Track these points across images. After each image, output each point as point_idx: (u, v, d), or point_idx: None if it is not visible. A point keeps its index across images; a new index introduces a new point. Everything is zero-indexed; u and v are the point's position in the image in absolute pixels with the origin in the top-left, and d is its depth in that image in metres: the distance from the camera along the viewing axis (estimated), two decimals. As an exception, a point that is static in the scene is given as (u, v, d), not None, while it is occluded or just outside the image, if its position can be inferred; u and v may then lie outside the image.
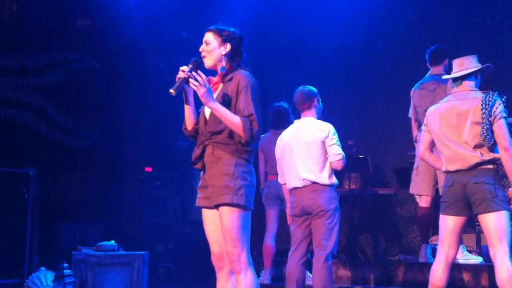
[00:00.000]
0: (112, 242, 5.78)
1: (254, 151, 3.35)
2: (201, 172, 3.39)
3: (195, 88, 3.22)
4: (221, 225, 3.24)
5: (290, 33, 8.24)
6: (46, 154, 8.05)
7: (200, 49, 3.40)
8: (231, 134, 3.26)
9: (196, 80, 3.21)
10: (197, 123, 3.45)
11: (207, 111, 3.35)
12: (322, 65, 7.76)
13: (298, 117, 4.73)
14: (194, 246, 8.31)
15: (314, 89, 4.67)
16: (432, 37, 6.56)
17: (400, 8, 7.17)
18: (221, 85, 3.41)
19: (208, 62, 3.39)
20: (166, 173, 9.88)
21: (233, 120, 3.21)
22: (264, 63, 8.28)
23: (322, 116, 4.72)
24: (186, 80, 3.26)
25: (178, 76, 3.26)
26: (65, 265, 5.35)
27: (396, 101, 6.80)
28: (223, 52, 3.38)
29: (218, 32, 3.39)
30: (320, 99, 4.68)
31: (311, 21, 7.92)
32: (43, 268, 5.88)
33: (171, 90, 3.21)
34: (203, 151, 3.33)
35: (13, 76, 7.86)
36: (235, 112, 3.26)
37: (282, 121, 5.59)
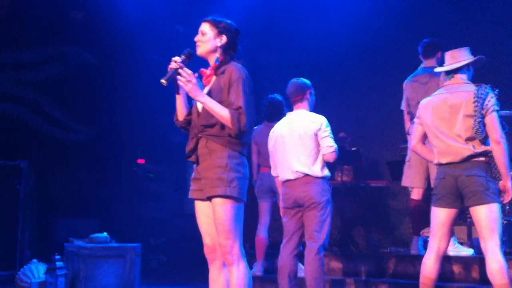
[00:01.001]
0: (105, 234, 5.77)
1: (247, 144, 3.36)
2: (195, 165, 3.38)
3: (182, 84, 3.22)
4: (214, 217, 3.25)
5: (285, 25, 8.22)
6: (41, 148, 8.04)
7: (195, 39, 3.39)
8: (224, 127, 3.25)
9: (183, 76, 3.21)
10: (188, 114, 3.44)
11: (199, 104, 3.34)
12: (316, 58, 7.75)
13: (291, 109, 4.73)
14: (187, 239, 8.31)
15: (307, 81, 4.68)
16: (427, 30, 6.56)
17: (396, 2, 7.16)
18: (214, 77, 3.41)
19: (201, 51, 3.38)
20: (160, 167, 9.86)
21: (221, 113, 3.21)
22: (258, 55, 8.27)
23: (315, 109, 4.72)
24: (178, 71, 3.25)
25: (170, 66, 3.26)
26: (57, 257, 5.34)
27: (389, 93, 6.80)
28: (218, 44, 3.38)
29: (215, 24, 3.39)
30: (313, 92, 4.69)
31: (307, 14, 7.91)
32: (35, 260, 5.87)
33: (162, 80, 3.21)
34: (197, 143, 3.34)
35: (10, 70, 7.83)
36: (227, 105, 3.25)
37: (276, 113, 5.59)
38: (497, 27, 6.41)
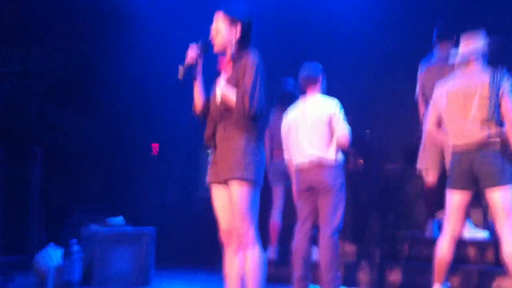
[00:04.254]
0: (120, 218, 5.82)
1: (264, 129, 3.40)
2: (212, 150, 3.42)
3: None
4: (230, 200, 3.28)
5: (297, 14, 8.16)
6: (54, 133, 8.10)
7: (211, 30, 3.41)
8: None
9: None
10: (207, 102, 3.47)
11: (218, 91, 3.37)
12: (329, 42, 7.70)
13: (304, 93, 4.71)
14: (201, 223, 8.36)
15: (319, 65, 4.65)
16: (440, 16, 6.49)
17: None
18: (231, 66, 3.43)
19: (217, 44, 3.42)
20: (173, 151, 9.90)
21: (231, 96, 3.28)
22: (270, 42, 8.22)
23: (330, 93, 4.70)
24: (193, 63, 3.33)
25: (186, 61, 3.34)
26: (74, 241, 5.41)
27: (403, 76, 6.75)
28: (234, 35, 3.39)
29: (229, 14, 3.39)
30: (324, 75, 4.67)
31: (319, 3, 7.85)
32: (51, 244, 5.94)
33: (180, 71, 3.29)
34: (215, 129, 3.38)
35: (20, 63, 7.89)
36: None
37: (288, 98, 5.57)
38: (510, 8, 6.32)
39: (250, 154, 3.25)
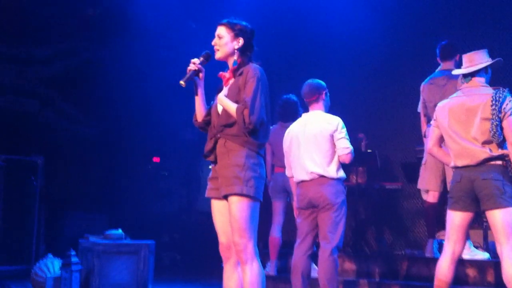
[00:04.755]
0: (120, 230, 5.82)
1: (264, 144, 3.39)
2: (212, 164, 3.42)
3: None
4: (229, 215, 3.28)
5: (299, 26, 8.20)
6: (53, 142, 8.10)
7: (213, 43, 3.44)
8: None
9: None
10: (207, 115, 3.49)
11: (219, 105, 3.39)
12: (331, 59, 7.72)
13: (306, 110, 4.72)
14: (200, 237, 8.34)
15: (322, 82, 4.67)
16: (443, 32, 6.52)
17: (411, 1, 7.12)
18: (232, 79, 3.44)
19: (219, 55, 3.43)
20: (173, 163, 9.91)
21: (231, 109, 3.28)
22: (272, 56, 8.26)
23: (330, 110, 4.71)
24: (196, 73, 3.36)
25: (189, 68, 3.35)
26: (72, 252, 5.39)
27: (406, 95, 6.77)
28: (236, 46, 3.43)
29: (231, 26, 3.43)
30: (327, 93, 4.68)
31: (320, 13, 7.89)
32: (50, 255, 5.93)
33: (181, 82, 3.30)
34: (215, 143, 3.38)
35: (21, 64, 7.88)
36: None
37: (291, 114, 5.58)
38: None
39: (250, 170, 3.25)
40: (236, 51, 3.42)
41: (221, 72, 3.49)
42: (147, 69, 8.56)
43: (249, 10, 7.32)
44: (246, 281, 3.23)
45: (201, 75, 3.39)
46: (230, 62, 3.45)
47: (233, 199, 3.23)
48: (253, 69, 3.34)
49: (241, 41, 3.42)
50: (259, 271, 3.24)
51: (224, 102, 3.31)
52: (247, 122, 3.21)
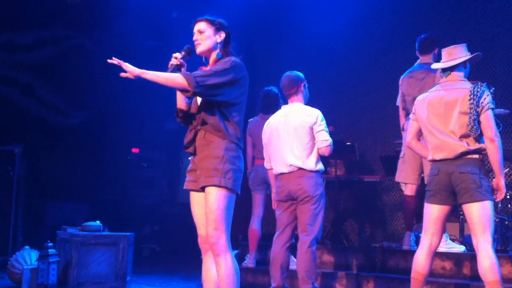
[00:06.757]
0: (98, 222, 5.77)
1: (243, 137, 3.41)
2: (192, 156, 3.42)
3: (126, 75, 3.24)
4: (205, 206, 3.27)
5: (281, 17, 8.20)
6: (33, 131, 8.00)
7: (194, 38, 3.43)
8: (222, 119, 3.30)
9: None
10: (189, 108, 3.47)
11: (199, 98, 3.37)
12: (312, 52, 7.74)
13: (286, 102, 4.72)
14: (180, 228, 8.33)
15: (301, 74, 4.67)
16: (423, 25, 6.55)
17: (392, -1, 7.16)
18: None
19: (201, 49, 3.43)
20: (154, 154, 9.86)
21: (171, 76, 3.21)
22: (254, 47, 8.25)
23: (310, 102, 4.71)
24: (178, 67, 3.36)
25: (171, 63, 3.36)
26: (50, 244, 5.34)
27: (384, 88, 6.81)
28: (218, 40, 3.44)
29: (211, 21, 3.44)
30: (306, 85, 4.68)
31: (303, 6, 7.89)
32: (27, 246, 5.88)
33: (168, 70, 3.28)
34: (195, 135, 3.38)
35: (3, 52, 7.76)
36: None
37: (271, 106, 5.58)
38: (493, 22, 6.38)
39: (229, 162, 3.26)
40: (218, 44, 3.43)
41: (202, 67, 3.49)
42: (129, 59, 8.47)
43: (233, 3, 7.31)
44: (220, 273, 3.24)
45: (183, 69, 3.38)
46: (212, 57, 3.45)
47: (211, 189, 3.24)
48: (229, 60, 3.35)
49: (222, 35, 3.44)
50: (233, 264, 3.25)
51: (156, 75, 3.19)
52: (187, 85, 3.15)
